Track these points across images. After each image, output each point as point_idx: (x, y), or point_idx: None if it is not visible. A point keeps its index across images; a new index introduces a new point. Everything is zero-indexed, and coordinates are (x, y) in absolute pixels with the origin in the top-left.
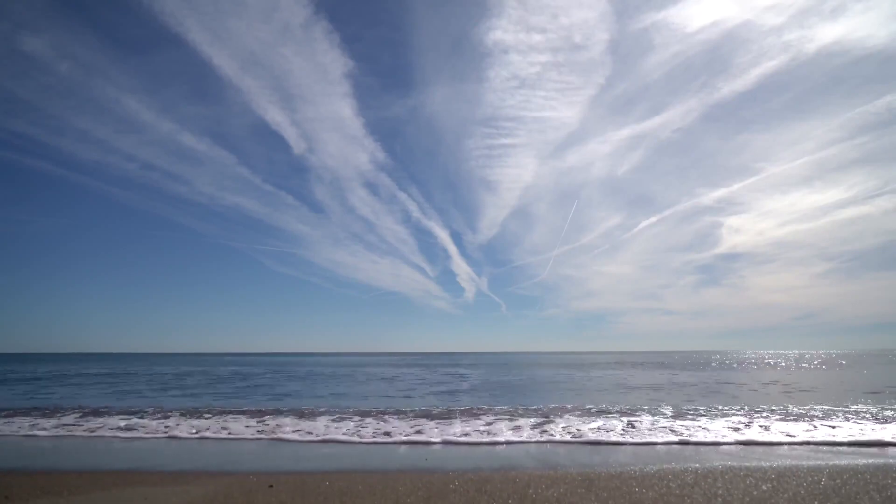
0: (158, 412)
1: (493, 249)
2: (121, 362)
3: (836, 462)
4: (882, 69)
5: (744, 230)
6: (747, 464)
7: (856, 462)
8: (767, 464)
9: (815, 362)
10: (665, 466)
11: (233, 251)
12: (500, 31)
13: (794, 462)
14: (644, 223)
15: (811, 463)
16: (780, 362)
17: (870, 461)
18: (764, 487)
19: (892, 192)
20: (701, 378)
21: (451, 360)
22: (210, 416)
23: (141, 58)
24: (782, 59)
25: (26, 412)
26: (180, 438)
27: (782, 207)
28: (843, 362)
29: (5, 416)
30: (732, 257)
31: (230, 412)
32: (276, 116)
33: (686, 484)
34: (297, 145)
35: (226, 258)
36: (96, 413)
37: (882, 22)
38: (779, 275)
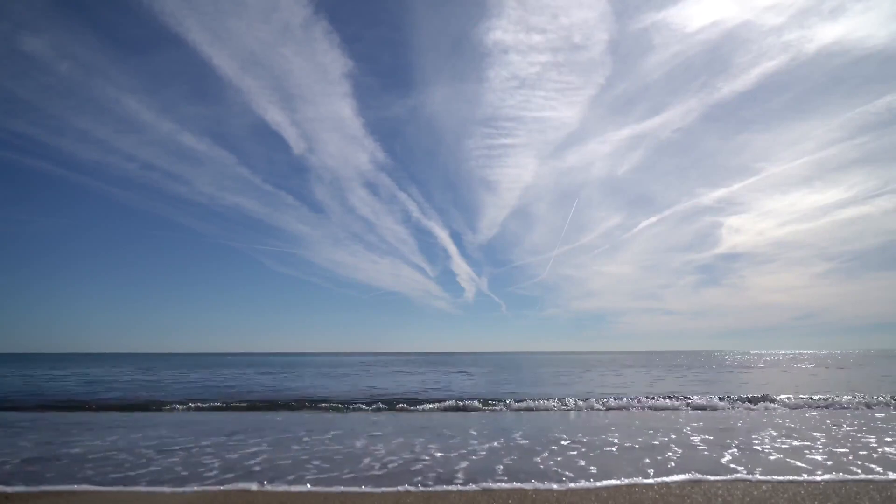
0: None
1: (493, 249)
2: (121, 363)
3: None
4: (882, 69)
5: (744, 230)
6: None
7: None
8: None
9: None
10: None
11: (233, 251)
12: (500, 32)
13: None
14: (644, 223)
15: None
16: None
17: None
18: (764, 487)
19: (892, 192)
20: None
21: (451, 360)
22: None
23: (141, 58)
24: (782, 59)
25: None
26: None
27: (782, 207)
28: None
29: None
30: (732, 257)
31: None
32: (276, 116)
33: (686, 484)
34: (297, 145)
35: (226, 258)
36: None
37: (882, 22)
38: (779, 275)
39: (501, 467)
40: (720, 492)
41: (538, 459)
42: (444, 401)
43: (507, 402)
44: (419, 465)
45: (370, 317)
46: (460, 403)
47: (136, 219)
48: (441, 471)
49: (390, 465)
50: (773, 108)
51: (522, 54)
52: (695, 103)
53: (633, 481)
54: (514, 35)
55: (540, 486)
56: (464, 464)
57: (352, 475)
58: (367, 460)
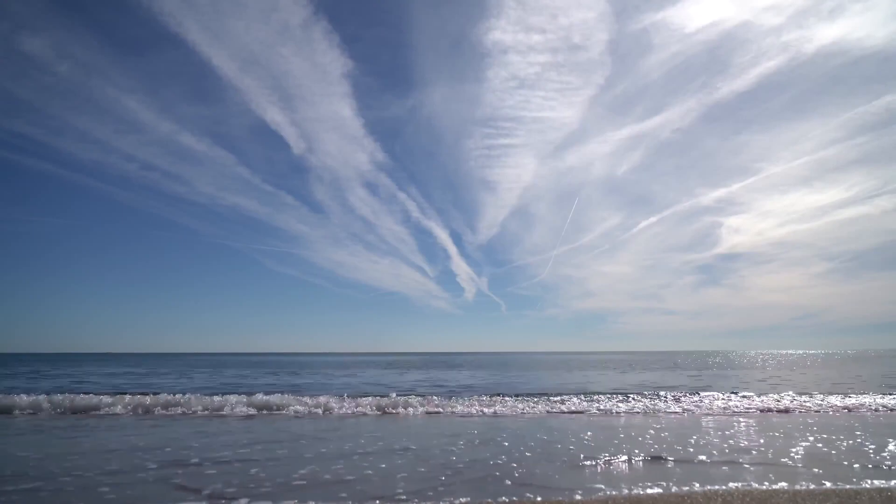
0: None
1: (493, 249)
2: (121, 363)
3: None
4: (880, 69)
5: (743, 230)
6: None
7: None
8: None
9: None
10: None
11: (232, 251)
12: (500, 32)
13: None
14: (644, 223)
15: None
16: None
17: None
18: (763, 488)
19: (891, 192)
20: None
21: (451, 360)
22: None
23: (141, 58)
24: (781, 59)
25: None
26: None
27: (782, 207)
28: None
29: None
30: (732, 257)
31: None
32: (275, 116)
33: (687, 489)
34: (297, 145)
35: (225, 258)
36: None
37: (880, 22)
38: (778, 275)
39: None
40: (720, 491)
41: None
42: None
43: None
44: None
45: (370, 317)
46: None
47: (136, 219)
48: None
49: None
50: (772, 109)
51: (522, 54)
52: (694, 103)
53: (635, 491)
54: (514, 35)
55: (541, 498)
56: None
57: None
58: None
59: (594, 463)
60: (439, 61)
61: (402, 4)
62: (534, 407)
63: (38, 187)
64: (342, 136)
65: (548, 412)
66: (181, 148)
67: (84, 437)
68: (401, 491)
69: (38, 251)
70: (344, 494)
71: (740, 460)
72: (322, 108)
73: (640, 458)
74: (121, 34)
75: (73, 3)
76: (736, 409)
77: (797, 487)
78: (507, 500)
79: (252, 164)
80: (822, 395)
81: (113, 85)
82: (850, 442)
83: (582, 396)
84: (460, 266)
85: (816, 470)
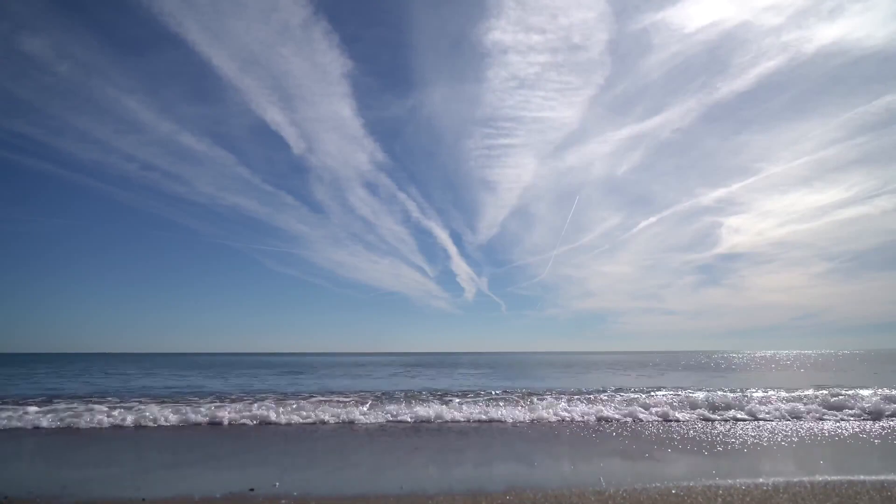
0: None
1: (493, 249)
2: (122, 362)
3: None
4: (880, 69)
5: (743, 230)
6: None
7: None
8: None
9: None
10: None
11: (232, 251)
12: (499, 32)
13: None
14: (644, 223)
15: None
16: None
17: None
18: (764, 488)
19: (891, 192)
20: None
21: (452, 360)
22: None
23: (140, 58)
24: (781, 59)
25: None
26: None
27: (782, 207)
28: None
29: None
30: (732, 257)
31: None
32: (275, 116)
33: (686, 486)
34: (297, 145)
35: (225, 258)
36: None
37: (880, 22)
38: (778, 275)
39: None
40: (720, 492)
41: None
42: None
43: None
44: None
45: (370, 317)
46: None
47: (136, 219)
48: None
49: None
50: (771, 109)
51: (522, 54)
52: (694, 103)
53: (635, 486)
54: (514, 35)
55: (539, 489)
56: None
57: None
58: None
59: None
60: (439, 61)
61: (402, 4)
62: None
63: (38, 187)
64: (342, 136)
65: None
66: (181, 148)
67: None
68: None
69: (38, 251)
70: None
71: None
72: (322, 108)
73: None
74: (121, 34)
75: (73, 3)
76: None
77: (797, 487)
78: (507, 497)
79: (252, 164)
80: None
81: (113, 85)
82: None
83: None
84: (460, 266)
85: None
